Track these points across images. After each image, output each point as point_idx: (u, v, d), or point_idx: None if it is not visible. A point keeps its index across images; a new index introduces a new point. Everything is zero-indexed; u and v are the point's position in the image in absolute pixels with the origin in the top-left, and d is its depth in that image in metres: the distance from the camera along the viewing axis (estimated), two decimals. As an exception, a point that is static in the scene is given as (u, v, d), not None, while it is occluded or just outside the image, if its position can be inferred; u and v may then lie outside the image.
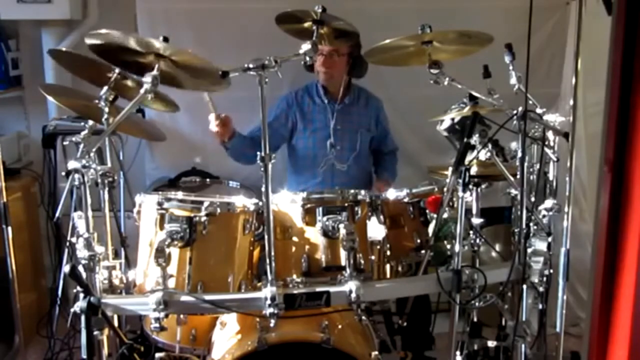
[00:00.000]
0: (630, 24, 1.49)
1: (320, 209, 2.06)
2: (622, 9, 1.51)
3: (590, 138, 3.19)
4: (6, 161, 3.10)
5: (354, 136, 3.10)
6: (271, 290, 1.85)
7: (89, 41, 1.97)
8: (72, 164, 1.77)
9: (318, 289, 1.92)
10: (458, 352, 2.18)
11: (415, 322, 2.75)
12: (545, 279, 2.07)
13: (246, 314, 2.12)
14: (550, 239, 2.07)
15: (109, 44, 1.95)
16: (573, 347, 2.73)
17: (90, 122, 2.17)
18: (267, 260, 1.89)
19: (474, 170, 2.09)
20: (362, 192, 2.14)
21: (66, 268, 1.71)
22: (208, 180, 3.44)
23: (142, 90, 1.93)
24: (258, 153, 1.84)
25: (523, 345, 2.08)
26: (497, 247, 3.10)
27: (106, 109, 2.02)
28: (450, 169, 1.95)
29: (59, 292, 2.35)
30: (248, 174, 3.40)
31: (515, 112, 2.03)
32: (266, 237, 1.89)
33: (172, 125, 3.47)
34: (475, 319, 2.50)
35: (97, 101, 2.03)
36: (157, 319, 1.86)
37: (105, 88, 2.04)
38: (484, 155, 2.05)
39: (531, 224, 2.07)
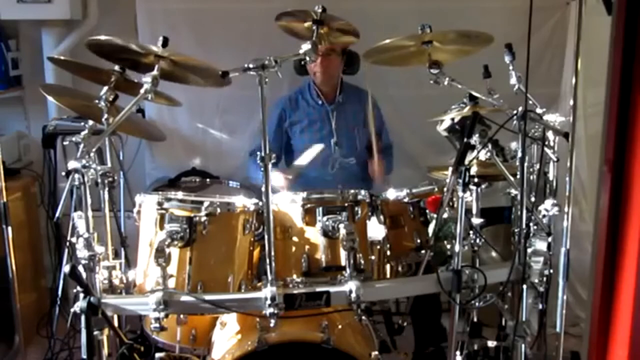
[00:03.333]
0: (630, 24, 1.49)
1: (320, 209, 2.06)
2: (622, 9, 1.51)
3: (590, 138, 3.19)
4: (6, 161, 3.10)
5: (352, 134, 3.11)
6: (271, 290, 1.85)
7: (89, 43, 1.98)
8: (72, 164, 1.77)
9: (318, 289, 1.92)
10: (458, 352, 2.18)
11: (425, 317, 2.77)
12: (545, 279, 2.06)
13: (246, 314, 2.12)
14: (550, 239, 2.07)
15: (109, 45, 1.96)
16: (573, 347, 2.72)
17: (90, 122, 2.17)
18: (267, 260, 1.89)
19: (473, 170, 2.08)
20: (362, 192, 2.14)
21: (66, 268, 1.71)
22: (208, 180, 3.44)
23: (142, 90, 1.93)
24: (258, 153, 1.85)
25: (523, 345, 2.07)
26: (497, 247, 3.10)
27: (106, 109, 2.02)
28: (450, 169, 1.95)
29: (59, 292, 2.35)
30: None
31: (515, 112, 2.03)
32: (266, 237, 1.89)
33: (172, 125, 3.48)
34: (475, 319, 2.50)
35: (97, 101, 2.03)
36: (157, 319, 1.86)
37: (106, 88, 2.04)
38: (484, 155, 2.04)
39: (531, 224, 2.07)
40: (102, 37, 1.95)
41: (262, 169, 1.86)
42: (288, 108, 3.13)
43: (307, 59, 2.00)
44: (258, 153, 1.84)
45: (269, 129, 3.01)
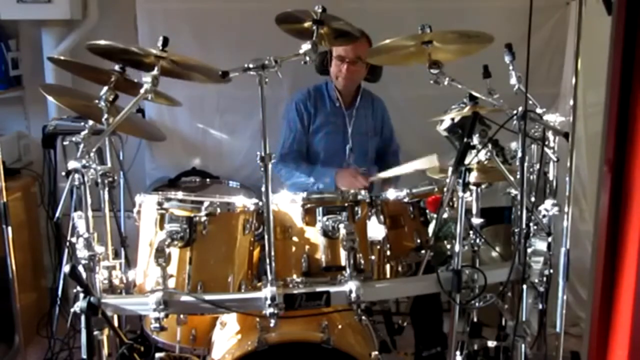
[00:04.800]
0: (630, 24, 1.49)
1: (320, 209, 2.06)
2: (622, 9, 1.51)
3: (590, 138, 3.18)
4: (6, 161, 3.10)
5: (366, 140, 3.10)
6: (271, 290, 1.85)
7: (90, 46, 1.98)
8: (72, 164, 1.77)
9: (318, 289, 1.92)
10: (458, 352, 2.18)
11: (426, 318, 2.77)
12: (545, 279, 2.07)
13: (246, 314, 2.12)
14: (550, 239, 2.07)
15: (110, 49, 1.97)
16: (573, 347, 2.72)
17: (90, 122, 2.17)
18: (267, 260, 1.89)
19: (474, 176, 2.08)
20: (362, 192, 2.14)
21: (66, 268, 1.71)
22: (208, 180, 3.45)
23: (142, 90, 1.93)
24: (258, 153, 1.85)
25: (523, 345, 2.07)
26: (497, 247, 3.10)
27: (106, 109, 2.02)
28: (450, 169, 1.95)
29: (59, 292, 2.35)
30: (248, 174, 3.41)
31: (515, 112, 2.03)
32: (266, 237, 1.89)
33: (172, 125, 3.48)
34: (475, 319, 2.50)
35: (97, 101, 2.03)
36: (157, 319, 1.86)
37: (106, 88, 2.04)
38: (484, 155, 2.05)
39: (531, 224, 2.07)
40: (102, 42, 1.95)
41: (262, 169, 1.86)
42: (310, 107, 3.06)
43: (308, 59, 1.99)
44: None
45: (293, 128, 3.03)
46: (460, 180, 1.90)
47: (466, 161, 1.93)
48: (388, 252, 2.23)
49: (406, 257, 2.25)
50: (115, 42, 1.94)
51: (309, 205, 2.08)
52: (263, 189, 1.87)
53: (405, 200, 2.24)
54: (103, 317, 1.79)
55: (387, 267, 2.26)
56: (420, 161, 2.56)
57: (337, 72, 2.97)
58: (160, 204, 2.02)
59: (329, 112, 3.07)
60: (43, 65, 3.39)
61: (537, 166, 2.35)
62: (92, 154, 1.82)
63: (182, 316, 2.07)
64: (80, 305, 1.75)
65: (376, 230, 2.19)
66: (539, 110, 2.27)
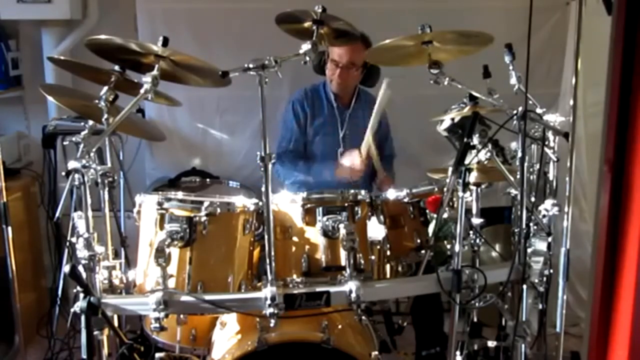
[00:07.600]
0: (630, 24, 1.49)
1: (320, 209, 2.06)
2: (622, 9, 1.51)
3: (590, 138, 3.19)
4: (6, 161, 3.10)
5: (362, 140, 3.09)
6: (271, 290, 1.85)
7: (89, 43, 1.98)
8: (72, 164, 1.77)
9: (318, 289, 1.92)
10: (458, 352, 2.18)
11: (426, 318, 2.77)
12: (545, 279, 2.07)
13: (246, 314, 2.12)
14: (550, 239, 2.07)
15: (109, 45, 1.96)
16: (573, 347, 2.72)
17: (90, 122, 2.17)
18: (267, 260, 1.89)
19: (474, 176, 2.08)
20: (362, 192, 2.14)
21: (66, 268, 1.71)
22: (208, 180, 3.45)
23: (142, 90, 1.93)
24: (258, 153, 1.85)
25: (523, 345, 2.07)
26: (497, 247, 3.10)
27: (106, 109, 2.02)
28: (450, 169, 1.95)
29: (59, 292, 2.35)
30: (248, 174, 3.41)
31: (515, 112, 2.03)
32: (266, 237, 1.89)
33: (172, 125, 3.48)
34: (475, 319, 2.50)
35: (97, 101, 2.03)
36: (157, 319, 1.86)
37: (106, 88, 2.04)
38: (484, 155, 2.05)
39: (531, 224, 2.07)
40: (102, 37, 1.95)
41: (262, 169, 1.86)
42: (307, 107, 3.06)
43: (308, 59, 2.00)
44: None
45: (289, 128, 3.03)
46: (460, 180, 1.90)
47: (466, 161, 1.93)
48: (388, 252, 2.23)
49: (406, 257, 2.25)
50: (115, 37, 1.93)
51: (309, 205, 2.08)
52: (263, 189, 1.87)
53: (405, 200, 2.24)
54: (103, 317, 1.79)
55: (387, 267, 2.26)
56: (380, 100, 2.66)
57: (331, 75, 2.99)
58: (160, 204, 2.02)
59: (327, 112, 3.07)
60: (43, 65, 3.39)
61: (537, 166, 2.35)
62: (92, 154, 1.82)
63: (182, 316, 2.07)
64: (80, 305, 1.75)
65: (376, 230, 2.19)
66: (539, 110, 2.27)
